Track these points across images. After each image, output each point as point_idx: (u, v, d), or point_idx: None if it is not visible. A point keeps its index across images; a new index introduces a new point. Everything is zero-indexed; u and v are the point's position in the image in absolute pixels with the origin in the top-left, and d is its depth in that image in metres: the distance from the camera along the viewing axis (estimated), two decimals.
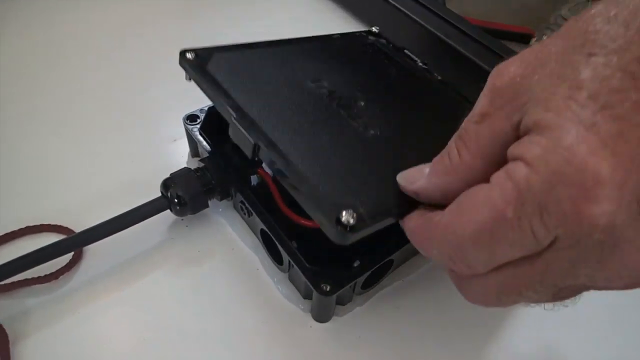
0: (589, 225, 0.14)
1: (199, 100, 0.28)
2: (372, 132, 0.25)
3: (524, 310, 0.27)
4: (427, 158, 0.21)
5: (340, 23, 0.44)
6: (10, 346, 0.23)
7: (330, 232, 0.20)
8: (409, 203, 0.21)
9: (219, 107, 0.24)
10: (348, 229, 0.19)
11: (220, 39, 0.28)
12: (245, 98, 0.25)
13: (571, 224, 0.14)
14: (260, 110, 0.24)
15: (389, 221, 0.21)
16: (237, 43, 0.28)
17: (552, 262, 0.16)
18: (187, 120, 0.29)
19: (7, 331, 0.23)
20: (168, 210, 0.27)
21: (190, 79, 0.26)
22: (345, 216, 0.19)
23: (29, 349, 0.23)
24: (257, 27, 0.43)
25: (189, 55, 0.26)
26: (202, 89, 0.26)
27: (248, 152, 0.23)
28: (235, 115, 0.24)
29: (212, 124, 0.29)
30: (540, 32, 0.41)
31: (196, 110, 0.30)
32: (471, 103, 0.23)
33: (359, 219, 0.19)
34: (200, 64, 0.26)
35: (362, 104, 0.27)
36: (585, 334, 0.26)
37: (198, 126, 0.30)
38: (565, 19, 0.38)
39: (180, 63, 0.26)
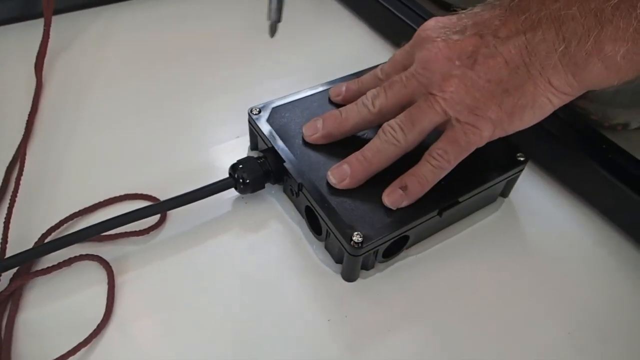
0: None
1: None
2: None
3: (512, 281, 0.33)
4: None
5: (378, 49, 0.51)
6: (115, 278, 0.31)
7: (347, 247, 0.29)
8: (403, 221, 0.30)
9: (275, 150, 0.34)
10: (357, 245, 0.29)
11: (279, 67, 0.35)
12: (295, 144, 0.34)
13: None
14: (305, 154, 0.34)
15: (392, 236, 0.30)
16: (291, 95, 0.38)
17: None
18: (251, 112, 0.37)
19: (113, 268, 0.31)
20: (232, 189, 0.35)
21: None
22: (355, 237, 0.29)
23: (128, 281, 0.31)
24: (314, 57, 0.50)
25: (254, 111, 0.36)
26: (261, 137, 0.35)
27: (295, 187, 0.33)
28: (285, 161, 0.33)
29: (274, 118, 0.36)
30: None
31: (259, 105, 0.37)
32: None
33: (365, 238, 0.29)
34: (261, 117, 0.36)
35: None
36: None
37: (261, 117, 0.37)
38: None
39: (249, 117, 0.36)
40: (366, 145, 0.32)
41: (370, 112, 0.32)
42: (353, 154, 0.32)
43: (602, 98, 0.43)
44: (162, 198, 0.34)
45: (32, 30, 0.47)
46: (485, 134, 0.29)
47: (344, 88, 0.37)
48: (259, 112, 0.36)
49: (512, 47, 0.28)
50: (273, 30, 0.36)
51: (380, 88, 0.32)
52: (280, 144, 0.34)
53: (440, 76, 0.29)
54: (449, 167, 0.30)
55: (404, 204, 0.30)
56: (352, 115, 0.33)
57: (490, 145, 0.35)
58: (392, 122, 0.31)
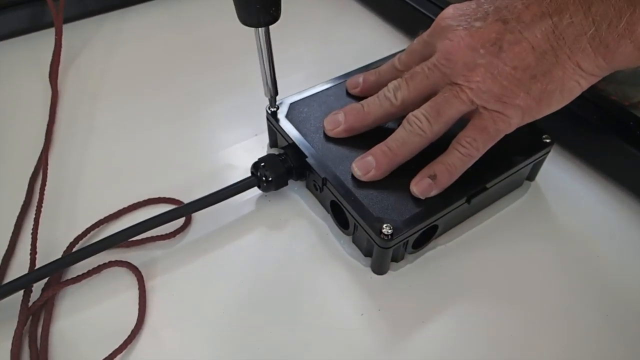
0: None
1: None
2: None
3: (543, 266, 0.32)
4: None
5: (389, 38, 0.51)
6: (145, 283, 0.31)
7: (376, 240, 0.29)
8: (432, 210, 0.30)
9: (296, 146, 0.34)
10: (388, 237, 0.28)
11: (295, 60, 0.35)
12: (315, 139, 0.34)
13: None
14: (327, 148, 0.33)
15: (422, 226, 0.30)
16: (307, 90, 0.38)
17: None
18: (269, 109, 0.36)
19: (142, 273, 0.31)
20: (255, 188, 0.35)
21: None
22: (385, 229, 0.28)
23: (157, 285, 0.31)
24: (331, 51, 0.50)
25: (271, 108, 0.36)
26: (281, 134, 0.35)
27: (318, 183, 0.33)
28: (307, 156, 0.33)
29: (292, 114, 0.36)
30: None
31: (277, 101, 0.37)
32: None
33: (395, 229, 0.28)
34: (279, 114, 0.36)
35: None
36: None
37: (279, 113, 0.36)
38: None
39: (267, 114, 0.36)
40: (390, 136, 0.31)
41: (392, 105, 0.32)
42: (377, 146, 0.31)
43: (619, 78, 0.42)
44: (185, 201, 0.34)
45: (41, 40, 0.48)
46: (513, 122, 0.29)
47: (361, 79, 0.36)
48: (277, 108, 0.36)
49: (538, 31, 0.27)
50: (273, 103, 0.36)
51: (402, 80, 0.32)
52: (301, 140, 0.34)
53: (465, 66, 0.29)
54: (477, 155, 0.30)
55: (433, 193, 0.30)
56: (374, 109, 0.33)
57: (516, 129, 0.34)
58: (417, 112, 0.31)
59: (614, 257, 0.33)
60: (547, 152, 0.34)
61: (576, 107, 0.37)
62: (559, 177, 0.37)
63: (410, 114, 0.31)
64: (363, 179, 0.31)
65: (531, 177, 0.36)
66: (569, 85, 0.28)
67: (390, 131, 0.32)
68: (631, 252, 0.33)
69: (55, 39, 0.44)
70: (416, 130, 0.30)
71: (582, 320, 0.30)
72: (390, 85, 0.32)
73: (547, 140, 0.34)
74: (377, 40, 0.50)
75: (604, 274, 0.32)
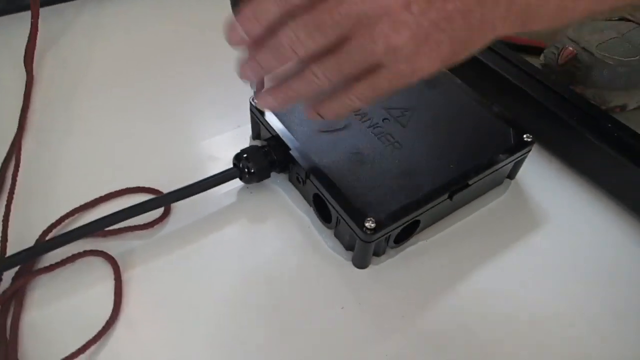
0: None
1: None
2: (394, 147, 0.33)
3: (522, 262, 0.32)
4: (437, 158, 0.33)
5: None
6: (122, 273, 0.30)
7: (359, 234, 0.29)
8: (414, 205, 0.30)
9: (280, 138, 0.33)
10: (370, 231, 0.28)
11: None
12: (300, 131, 0.33)
13: None
14: (310, 141, 0.33)
15: (404, 221, 0.30)
16: None
17: None
18: (253, 100, 0.36)
19: (119, 263, 0.30)
20: (237, 179, 0.34)
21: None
22: (368, 223, 0.28)
23: (135, 276, 0.30)
24: None
25: (255, 101, 0.35)
26: (264, 126, 0.35)
27: (302, 175, 0.32)
28: (291, 148, 0.33)
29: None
30: (549, 49, 0.46)
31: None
32: (485, 104, 0.31)
33: (378, 224, 0.28)
34: None
35: (388, 121, 0.34)
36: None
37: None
38: (569, 38, 0.44)
39: (250, 106, 0.36)
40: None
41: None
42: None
43: (598, 82, 0.43)
44: (165, 192, 0.33)
45: (17, 24, 0.46)
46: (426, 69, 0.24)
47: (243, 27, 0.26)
48: None
49: None
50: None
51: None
52: (285, 132, 0.34)
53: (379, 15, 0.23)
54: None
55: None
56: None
57: (498, 127, 0.35)
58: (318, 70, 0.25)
59: (591, 254, 0.34)
60: (528, 151, 0.35)
61: (557, 108, 0.37)
62: (539, 175, 0.38)
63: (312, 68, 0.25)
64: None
65: (512, 175, 0.37)
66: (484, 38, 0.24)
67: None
68: (607, 249, 0.34)
69: (31, 22, 0.42)
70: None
71: (559, 318, 0.30)
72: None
73: (529, 139, 0.34)
74: None
75: (580, 271, 0.33)
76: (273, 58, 0.25)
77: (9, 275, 0.29)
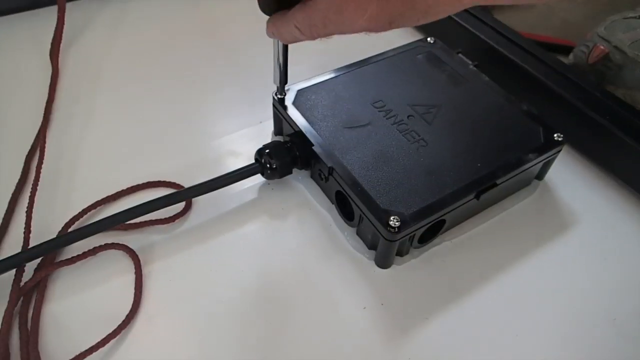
0: None
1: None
2: (419, 144, 0.32)
3: (549, 266, 0.31)
4: (463, 157, 0.32)
5: (404, 34, 0.50)
6: (142, 267, 0.30)
7: (383, 232, 0.28)
8: (440, 204, 0.29)
9: (303, 134, 0.32)
10: (395, 230, 0.27)
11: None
12: (323, 127, 0.33)
13: None
14: (334, 137, 0.32)
15: (429, 220, 0.29)
16: (315, 77, 0.37)
17: None
18: (275, 95, 0.35)
19: (139, 257, 0.30)
20: (258, 175, 0.34)
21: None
22: (392, 221, 0.27)
23: (155, 270, 0.30)
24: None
25: (278, 96, 0.35)
26: (287, 121, 0.34)
27: (324, 172, 0.32)
28: (314, 144, 0.32)
29: (300, 101, 0.35)
30: (578, 48, 0.45)
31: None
32: (514, 102, 0.31)
33: (403, 222, 0.27)
34: (286, 100, 0.35)
35: (413, 118, 0.34)
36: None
37: (286, 100, 0.35)
38: (600, 36, 0.43)
39: (273, 101, 0.35)
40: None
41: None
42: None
43: (630, 83, 0.42)
44: (186, 186, 0.33)
45: (43, 17, 0.46)
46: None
47: None
48: (284, 95, 0.35)
49: None
50: (281, 91, 0.35)
51: None
52: (307, 127, 0.33)
53: None
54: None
55: None
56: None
57: (527, 126, 0.34)
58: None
59: (622, 259, 0.32)
60: (559, 151, 0.34)
61: (589, 107, 0.36)
62: (569, 177, 0.37)
63: None
64: None
65: (540, 176, 0.36)
66: None
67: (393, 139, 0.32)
68: (639, 253, 0.33)
69: (58, 16, 0.43)
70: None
71: (588, 323, 0.29)
72: None
73: (559, 139, 0.33)
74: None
75: (612, 277, 0.31)
76: None
77: (31, 266, 0.29)
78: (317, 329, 0.28)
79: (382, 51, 0.39)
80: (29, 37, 0.46)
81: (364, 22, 0.23)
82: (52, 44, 0.42)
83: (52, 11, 0.43)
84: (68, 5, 0.44)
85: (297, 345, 0.27)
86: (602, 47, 0.42)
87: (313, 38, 0.25)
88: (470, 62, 0.39)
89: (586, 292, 0.31)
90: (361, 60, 0.38)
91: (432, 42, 0.41)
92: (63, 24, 0.43)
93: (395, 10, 0.23)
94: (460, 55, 0.39)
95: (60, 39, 0.42)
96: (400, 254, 0.31)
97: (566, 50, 0.48)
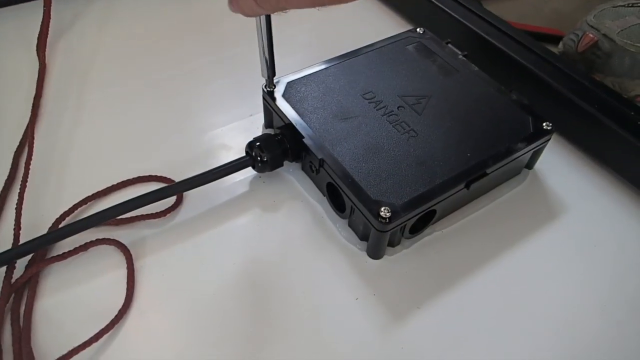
0: None
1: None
2: (409, 135, 0.32)
3: (540, 254, 0.32)
4: (453, 147, 0.32)
5: (385, 19, 0.50)
6: (134, 262, 0.30)
7: (374, 223, 0.28)
8: (431, 194, 0.29)
9: (293, 126, 0.32)
10: (386, 220, 0.27)
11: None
12: (313, 119, 0.33)
13: None
14: (324, 129, 0.32)
15: (420, 210, 0.29)
16: (304, 69, 0.36)
17: None
18: (265, 87, 0.35)
19: (131, 252, 0.30)
20: (249, 168, 0.34)
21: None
22: (383, 212, 0.28)
23: (147, 265, 0.30)
24: (318, 32, 0.49)
25: (267, 88, 0.34)
26: (277, 114, 0.34)
27: (315, 164, 0.32)
28: (304, 136, 0.32)
29: (289, 94, 0.35)
30: (568, 36, 0.45)
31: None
32: (504, 91, 0.31)
33: (393, 213, 0.28)
34: (276, 93, 0.34)
35: (404, 109, 0.34)
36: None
37: (276, 93, 0.35)
38: (590, 25, 0.43)
39: (263, 94, 0.35)
40: None
41: None
42: None
43: (618, 71, 0.42)
44: (177, 180, 0.33)
45: (29, 12, 0.46)
46: None
47: None
48: (274, 87, 0.35)
49: None
50: (270, 84, 0.34)
51: None
52: (298, 120, 0.33)
53: None
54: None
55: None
56: None
57: (516, 115, 0.34)
58: None
59: (611, 247, 0.33)
60: (548, 140, 0.34)
61: (577, 96, 0.36)
62: (558, 165, 0.37)
63: None
64: None
65: (530, 164, 0.36)
66: None
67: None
68: (629, 242, 0.33)
69: (44, 10, 0.42)
70: None
71: (578, 310, 0.30)
72: None
73: (548, 128, 0.33)
74: (374, 22, 0.49)
75: (601, 264, 0.32)
76: None
77: (22, 263, 0.29)
78: (310, 320, 0.28)
79: (371, 42, 0.39)
80: (14, 31, 0.45)
81: None
82: (38, 38, 0.42)
83: (38, 5, 0.43)
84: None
85: (290, 337, 0.28)
86: (591, 35, 0.42)
87: (270, 11, 0.26)
88: (459, 52, 0.39)
89: (576, 279, 0.31)
90: (351, 52, 0.38)
91: (421, 32, 0.41)
92: (49, 18, 0.42)
93: None
94: (449, 45, 0.39)
95: (47, 33, 0.42)
96: (391, 244, 0.31)
97: (556, 39, 0.49)
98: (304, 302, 0.29)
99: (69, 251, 0.29)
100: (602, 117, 0.35)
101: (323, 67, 0.37)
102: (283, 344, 0.27)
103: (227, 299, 0.29)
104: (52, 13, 0.43)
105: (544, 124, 0.33)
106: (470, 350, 0.28)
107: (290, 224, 0.33)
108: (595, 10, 0.44)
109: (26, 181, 0.32)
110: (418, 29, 0.41)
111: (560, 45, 0.46)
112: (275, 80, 0.35)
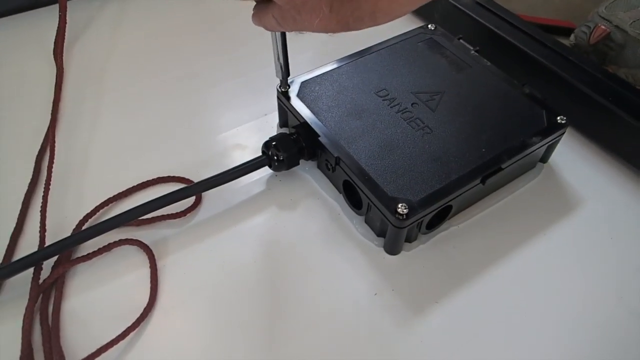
0: None
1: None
2: (424, 132, 0.33)
3: (557, 247, 0.32)
4: (468, 142, 0.32)
5: (407, 22, 0.50)
6: (156, 261, 0.30)
7: (391, 219, 0.28)
8: (447, 190, 0.29)
9: (308, 125, 0.33)
10: (403, 217, 0.28)
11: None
12: (328, 117, 0.33)
13: None
14: (339, 127, 0.33)
15: (437, 206, 0.29)
16: (318, 69, 0.37)
17: None
18: (279, 87, 0.35)
19: (153, 251, 0.31)
20: (266, 167, 0.34)
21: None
22: (400, 208, 0.28)
23: (169, 264, 0.31)
24: None
25: (282, 89, 0.35)
26: (292, 113, 0.34)
27: (331, 162, 0.32)
28: (320, 135, 0.32)
29: (304, 93, 0.35)
30: (579, 28, 0.45)
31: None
32: (517, 86, 0.31)
33: (411, 209, 0.28)
34: (290, 92, 0.35)
35: (417, 106, 0.34)
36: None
37: (290, 92, 0.35)
38: (601, 16, 0.43)
39: (277, 93, 0.35)
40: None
41: None
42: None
43: (631, 62, 0.42)
44: (195, 180, 0.34)
45: (45, 17, 0.47)
46: None
47: None
48: (288, 87, 0.35)
49: None
50: (285, 84, 0.35)
51: None
52: (313, 119, 0.33)
53: None
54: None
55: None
56: None
57: (530, 109, 0.34)
58: None
59: (627, 238, 0.33)
60: (562, 134, 0.34)
61: (591, 89, 0.36)
62: (572, 159, 0.37)
63: None
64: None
65: (545, 158, 0.36)
66: None
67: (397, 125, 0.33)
68: None
69: (59, 15, 0.43)
70: None
71: (595, 301, 0.30)
72: None
73: (562, 122, 0.33)
74: None
75: (618, 255, 0.32)
76: None
77: (48, 264, 0.30)
78: (330, 315, 0.29)
79: (383, 39, 0.39)
80: (32, 37, 0.46)
81: (320, 23, 0.24)
82: (55, 43, 0.42)
83: (53, 10, 0.43)
84: (69, 3, 0.44)
85: (310, 333, 0.28)
86: (603, 27, 0.42)
87: (289, 31, 0.27)
88: (471, 48, 0.39)
89: (593, 271, 0.31)
90: (363, 50, 0.38)
91: (432, 28, 0.41)
92: (65, 23, 0.43)
93: (348, 14, 0.23)
94: (461, 40, 0.40)
95: (63, 38, 0.43)
96: (408, 240, 0.32)
97: (567, 31, 0.48)
98: (323, 298, 0.29)
99: (94, 252, 0.30)
100: (616, 109, 0.35)
101: (336, 65, 0.37)
102: (303, 340, 0.28)
103: (247, 295, 0.29)
104: (68, 17, 0.43)
105: (558, 118, 0.34)
106: (489, 344, 0.28)
107: (307, 222, 0.33)
108: (606, 2, 0.44)
109: (49, 184, 0.33)
110: (429, 26, 0.41)
111: (572, 37, 0.46)
112: (289, 80, 0.35)
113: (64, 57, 0.43)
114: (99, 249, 0.30)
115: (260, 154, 0.34)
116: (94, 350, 0.26)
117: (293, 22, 0.25)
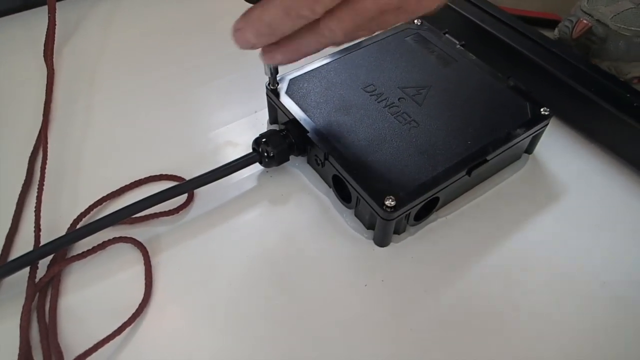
0: None
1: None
2: (410, 126, 0.33)
3: (542, 236, 0.33)
4: (454, 135, 0.33)
5: None
6: (150, 258, 0.31)
7: (380, 212, 0.29)
8: (433, 182, 0.30)
9: (297, 121, 0.34)
10: (391, 209, 0.28)
11: None
12: (317, 114, 0.34)
13: None
14: (328, 123, 0.33)
15: (424, 198, 0.30)
16: (306, 65, 0.37)
17: None
18: (268, 85, 0.36)
19: (147, 249, 0.31)
20: (257, 164, 0.35)
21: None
22: (388, 201, 0.29)
23: (163, 261, 0.31)
24: None
25: (271, 86, 0.36)
26: (281, 110, 0.35)
27: (320, 157, 0.33)
28: (308, 131, 0.33)
29: (293, 90, 0.36)
30: (562, 23, 0.46)
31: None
32: (502, 79, 0.32)
33: (398, 201, 0.29)
34: (280, 89, 0.36)
35: (404, 100, 0.35)
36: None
37: (279, 89, 0.36)
38: (583, 11, 0.43)
39: (266, 90, 0.36)
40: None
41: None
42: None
43: (614, 55, 0.43)
44: (187, 178, 0.34)
45: (35, 18, 0.47)
46: None
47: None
48: (277, 85, 0.36)
49: None
50: (274, 82, 0.36)
51: None
52: (302, 115, 0.34)
53: None
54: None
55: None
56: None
57: (514, 102, 0.35)
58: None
59: (611, 226, 0.34)
60: (546, 125, 0.35)
61: (574, 80, 0.37)
62: (557, 149, 0.38)
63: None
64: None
65: (530, 149, 0.37)
66: None
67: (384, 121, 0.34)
68: (629, 221, 0.34)
69: (49, 16, 0.43)
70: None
71: (580, 286, 0.31)
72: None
73: (546, 113, 0.34)
74: None
75: (602, 242, 0.33)
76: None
77: (44, 263, 0.30)
78: (322, 307, 0.29)
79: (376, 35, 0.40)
80: (22, 39, 0.46)
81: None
82: (45, 44, 0.43)
83: (43, 11, 0.44)
84: (59, 4, 0.45)
85: (303, 325, 0.29)
86: (585, 22, 0.43)
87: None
88: (457, 42, 0.40)
89: (577, 258, 0.32)
90: (351, 46, 0.39)
91: (419, 24, 0.41)
92: (55, 24, 0.43)
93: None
94: (447, 35, 0.40)
95: (53, 39, 0.43)
96: (397, 232, 0.32)
97: (552, 24, 0.49)
98: (316, 290, 0.30)
99: (88, 250, 0.30)
100: (599, 100, 0.36)
101: (324, 62, 0.38)
102: (297, 333, 0.28)
103: (241, 290, 0.30)
104: (57, 18, 0.43)
105: (542, 109, 0.34)
106: (477, 332, 0.29)
107: (298, 216, 0.34)
108: None
109: (43, 185, 0.34)
110: (416, 21, 0.41)
111: (556, 31, 0.46)
112: (278, 77, 0.36)
113: (55, 58, 0.43)
114: (94, 247, 0.31)
115: (251, 150, 0.35)
116: (90, 346, 0.27)
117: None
